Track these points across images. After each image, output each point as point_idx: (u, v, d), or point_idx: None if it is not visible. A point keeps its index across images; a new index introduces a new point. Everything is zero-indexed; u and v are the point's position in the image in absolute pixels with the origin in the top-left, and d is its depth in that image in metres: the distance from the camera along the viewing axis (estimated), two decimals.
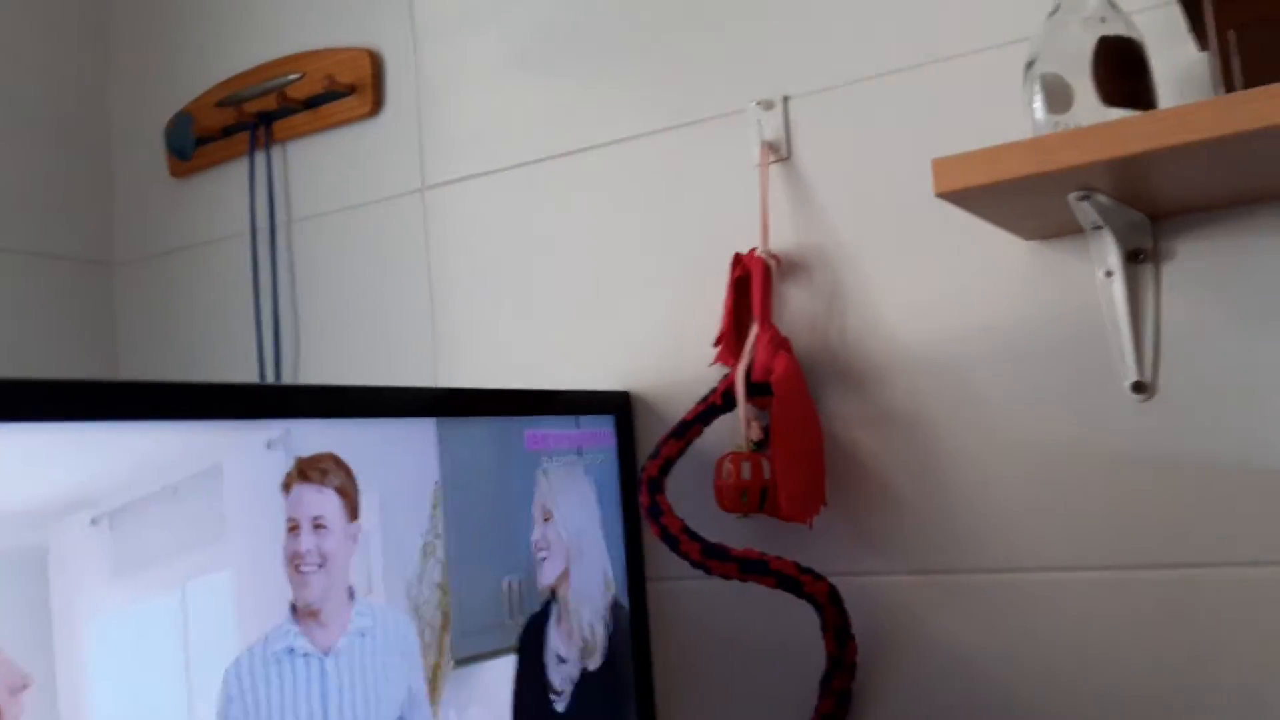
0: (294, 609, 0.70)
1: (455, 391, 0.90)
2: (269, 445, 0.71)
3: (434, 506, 0.83)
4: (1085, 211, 0.78)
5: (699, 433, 0.97)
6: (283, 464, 0.71)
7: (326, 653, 0.71)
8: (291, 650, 0.69)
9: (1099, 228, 0.84)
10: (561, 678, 0.92)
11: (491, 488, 0.89)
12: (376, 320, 1.24)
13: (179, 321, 1.40)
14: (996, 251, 0.91)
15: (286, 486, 0.70)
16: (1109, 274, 0.86)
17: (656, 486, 0.94)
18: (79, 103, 1.46)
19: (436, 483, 0.83)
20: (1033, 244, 0.90)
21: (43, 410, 0.58)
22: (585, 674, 0.95)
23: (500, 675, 0.87)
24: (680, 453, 0.97)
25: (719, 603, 1.02)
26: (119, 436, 0.62)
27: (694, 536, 0.91)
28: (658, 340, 1.07)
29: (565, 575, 0.94)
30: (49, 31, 1.44)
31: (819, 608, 0.90)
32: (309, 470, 0.72)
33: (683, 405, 1.02)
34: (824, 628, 0.90)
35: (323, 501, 0.72)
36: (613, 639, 1.00)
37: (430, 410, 0.84)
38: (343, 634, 0.73)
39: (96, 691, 0.59)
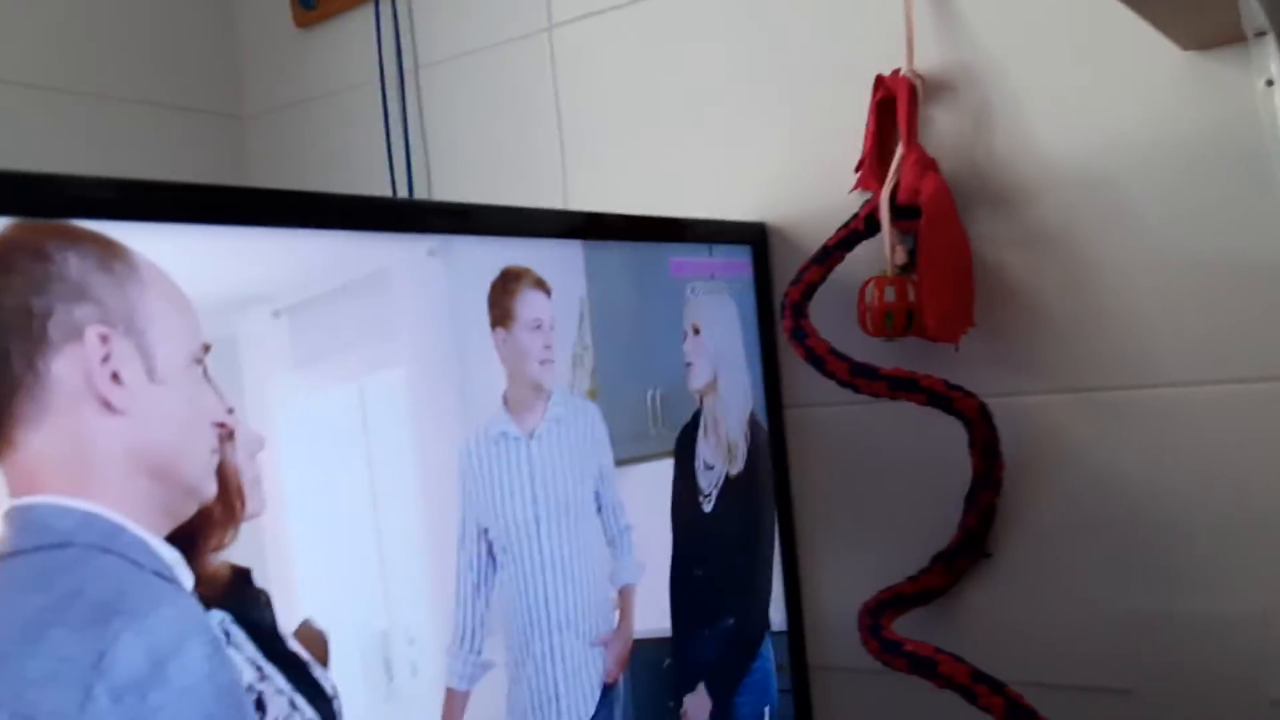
0: (505, 399, 0.77)
1: (594, 215, 0.91)
2: (430, 253, 0.73)
3: (580, 320, 0.85)
4: (1252, 10, 0.74)
5: (840, 259, 0.96)
6: (469, 271, 0.74)
7: (530, 436, 0.78)
8: (504, 434, 0.77)
9: (1262, 34, 0.79)
10: (708, 482, 0.96)
11: (636, 307, 0.91)
12: (507, 162, 1.25)
13: (309, 173, 1.43)
14: (1152, 63, 0.87)
15: (507, 291, 0.77)
16: (1270, 83, 0.82)
17: (800, 311, 0.94)
18: None
19: (582, 299, 0.85)
20: (1190, 55, 0.86)
21: (229, 214, 0.61)
22: (729, 479, 0.99)
23: (652, 478, 0.91)
24: (822, 278, 0.96)
25: (856, 428, 1.03)
26: (292, 241, 0.65)
27: (841, 356, 0.91)
28: (793, 170, 1.05)
29: (713, 385, 0.97)
30: None
31: (968, 423, 0.90)
32: (524, 276, 0.79)
33: (819, 235, 1.01)
34: (971, 444, 0.90)
35: (543, 303, 0.80)
36: (752, 451, 1.02)
37: (570, 232, 0.85)
38: (541, 420, 0.79)
39: (286, 470, 0.62)
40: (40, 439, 0.50)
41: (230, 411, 0.58)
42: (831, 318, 0.99)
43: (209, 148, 1.46)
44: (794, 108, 1.05)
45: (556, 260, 0.83)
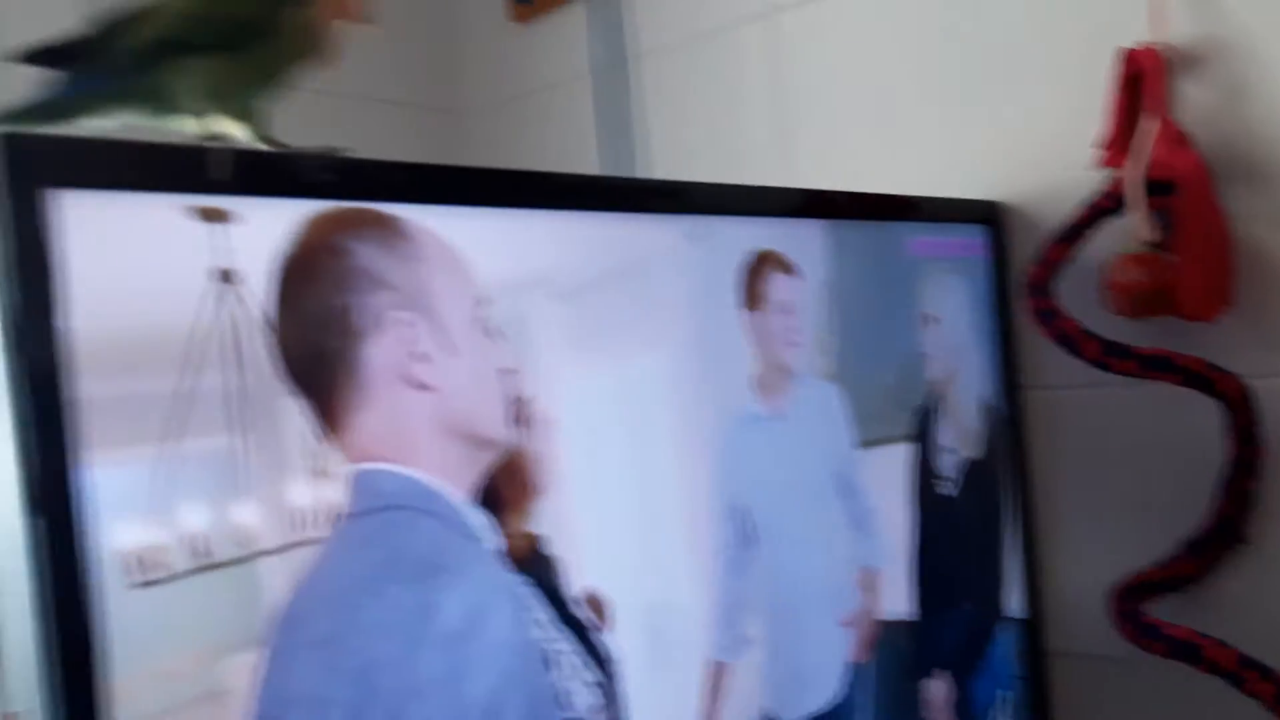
0: (754, 380, 0.78)
1: (834, 193, 0.91)
2: (687, 236, 0.75)
3: (823, 302, 0.85)
4: None
5: (1085, 238, 0.94)
6: (722, 253, 0.76)
7: (779, 417, 0.79)
8: (755, 415, 0.78)
9: None
10: (946, 466, 0.95)
11: (876, 288, 0.91)
12: (726, 150, 1.26)
13: (526, 167, 1.47)
14: None
15: (757, 273, 0.78)
16: None
17: (1045, 290, 0.92)
18: None
19: (824, 281, 0.85)
20: None
21: (518, 198, 0.64)
22: (966, 463, 0.98)
23: (891, 461, 0.91)
24: (1067, 257, 0.94)
25: (1099, 409, 1.00)
26: (569, 224, 0.67)
27: (1091, 335, 0.89)
28: (1026, 147, 1.03)
29: (949, 371, 0.96)
30: None
31: (1228, 406, 0.86)
32: (772, 259, 0.80)
33: (1056, 213, 0.98)
34: (1229, 427, 0.87)
35: (790, 285, 0.81)
36: (988, 435, 1.01)
37: (810, 211, 0.86)
38: (788, 402, 0.80)
39: (569, 448, 0.65)
40: (366, 419, 0.54)
41: (512, 372, 0.61)
42: (1068, 295, 0.96)
43: (429, 142, 1.52)
44: (1028, 83, 1.02)
45: (800, 242, 0.84)
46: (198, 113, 0.57)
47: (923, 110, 1.10)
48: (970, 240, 1.02)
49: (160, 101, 0.58)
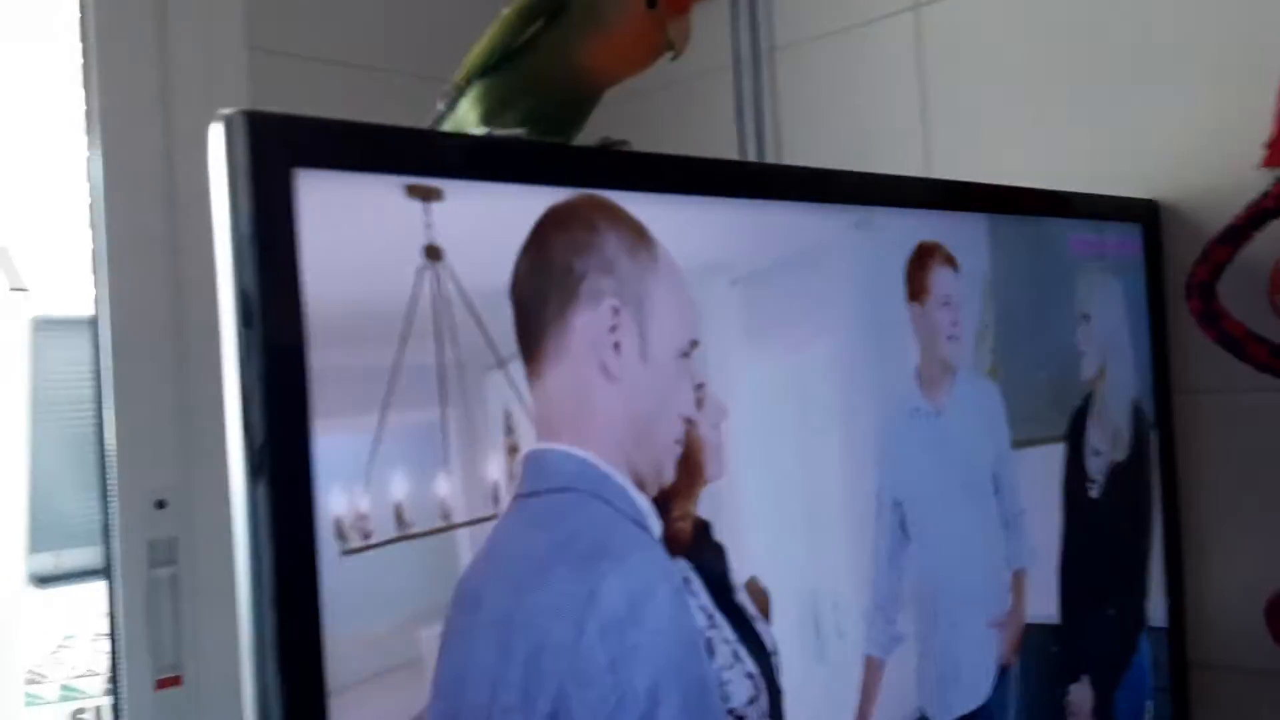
0: (917, 374, 0.77)
1: (994, 186, 0.89)
2: (855, 226, 0.75)
3: (984, 297, 0.84)
4: None
5: (1250, 238, 0.91)
6: (888, 244, 0.75)
7: (939, 412, 0.78)
8: (917, 409, 0.77)
9: None
10: (1096, 468, 0.94)
11: (1035, 285, 0.90)
12: (867, 145, 1.25)
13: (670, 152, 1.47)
14: None
15: (922, 264, 0.77)
16: None
17: (1209, 292, 0.90)
18: None
19: (985, 275, 0.84)
20: None
21: (698, 185, 0.64)
22: (1114, 466, 0.96)
23: (1044, 461, 0.89)
24: (1230, 258, 0.91)
25: (1260, 415, 0.97)
26: (749, 213, 0.68)
27: (1260, 339, 0.86)
28: (1186, 146, 1.00)
29: (1101, 374, 0.94)
30: None
31: None
32: (937, 252, 0.79)
33: (1215, 212, 0.95)
34: None
35: (952, 279, 0.80)
36: (1136, 438, 0.99)
37: (968, 204, 0.85)
38: (948, 398, 0.79)
39: (740, 436, 0.65)
40: (556, 380, 0.55)
41: (700, 387, 0.62)
42: (1230, 296, 0.94)
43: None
44: (1187, 79, 0.99)
45: (963, 235, 0.83)
46: (487, 125, 0.66)
47: (1074, 106, 1.08)
48: (1127, 239, 0.99)
49: (465, 123, 0.69)
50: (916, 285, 0.77)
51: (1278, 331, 0.90)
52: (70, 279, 1.91)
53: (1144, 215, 1.01)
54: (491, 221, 0.53)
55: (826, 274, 0.72)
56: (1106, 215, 0.98)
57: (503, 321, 0.53)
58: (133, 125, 1.14)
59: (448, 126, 0.70)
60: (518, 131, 0.61)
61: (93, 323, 1.17)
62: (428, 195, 0.49)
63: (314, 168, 0.45)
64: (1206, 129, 0.99)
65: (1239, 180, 0.95)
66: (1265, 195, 0.90)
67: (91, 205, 1.15)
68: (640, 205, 0.59)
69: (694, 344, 0.62)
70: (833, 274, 0.73)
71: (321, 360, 0.45)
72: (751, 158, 1.35)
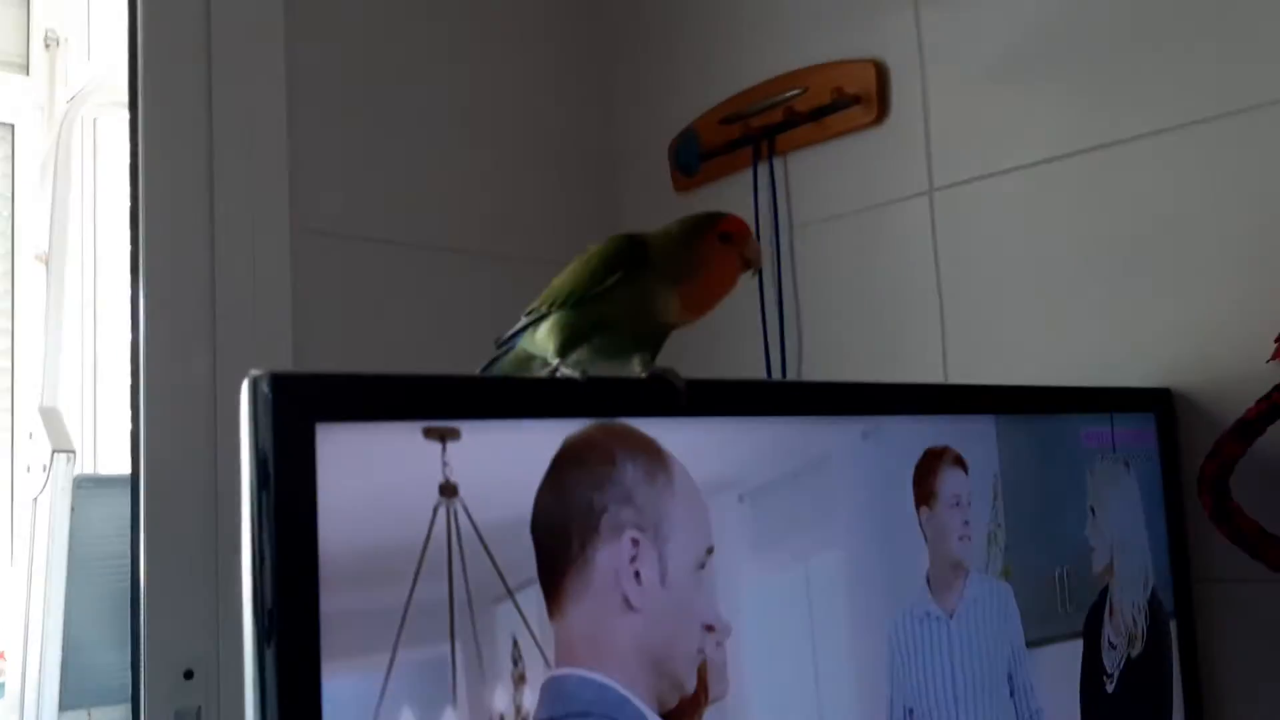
0: (928, 579, 0.78)
1: (1006, 388, 0.92)
2: (864, 435, 0.77)
3: (994, 497, 0.85)
4: None
5: (1262, 432, 0.92)
6: (897, 452, 0.77)
7: (951, 616, 0.79)
8: (928, 614, 0.78)
9: None
10: (1111, 662, 0.93)
11: (1046, 482, 0.91)
12: (882, 321, 1.28)
13: (685, 329, 1.51)
14: None
15: (930, 469, 0.79)
16: None
17: (1221, 488, 0.91)
18: (588, 124, 1.63)
19: (995, 475, 0.86)
20: None
21: (712, 406, 0.67)
22: (1130, 660, 0.95)
23: (1060, 659, 0.89)
24: (1242, 454, 0.92)
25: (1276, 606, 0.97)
26: (759, 428, 0.70)
27: (1272, 537, 0.87)
28: (1199, 334, 1.02)
29: (1109, 568, 0.95)
30: (559, 57, 1.61)
31: None
32: (945, 454, 0.81)
33: (1230, 401, 0.97)
34: None
35: (962, 480, 0.82)
36: (1152, 630, 0.98)
37: (982, 407, 0.87)
38: (960, 600, 0.80)
39: (747, 652, 0.66)
40: (576, 618, 0.56)
41: (719, 617, 0.64)
42: (1245, 489, 0.94)
43: None
44: (1200, 267, 1.02)
45: (971, 436, 0.84)
46: (546, 356, 0.71)
47: (1088, 292, 1.10)
48: (1141, 430, 1.01)
49: (531, 354, 0.74)
50: (925, 490, 0.79)
51: None
52: (113, 439, 1.97)
53: (1157, 404, 1.02)
54: (506, 457, 0.55)
55: (835, 484, 0.74)
56: (1122, 407, 1.00)
57: (514, 552, 0.55)
58: (178, 296, 1.19)
59: (525, 343, 0.75)
60: (581, 370, 0.64)
61: (132, 483, 1.20)
62: (445, 436, 0.52)
63: (334, 420, 0.48)
64: (1221, 317, 1.01)
65: (1254, 368, 0.96)
66: (1276, 390, 0.92)
67: (134, 365, 1.19)
68: (653, 428, 0.62)
69: (710, 551, 0.64)
70: (841, 483, 0.75)
71: (333, 605, 0.47)
72: (775, 335, 1.38)
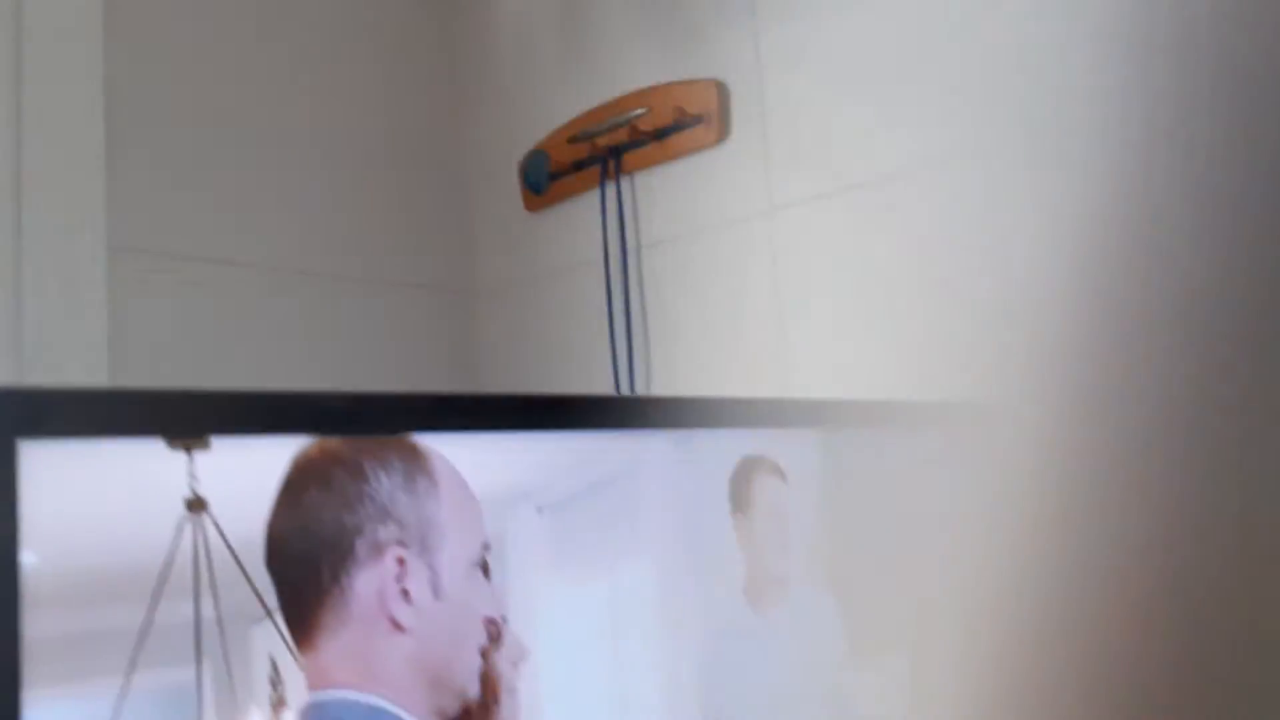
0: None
1: (826, 403, 0.92)
2: (674, 444, 0.76)
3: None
4: None
5: None
6: (710, 460, 0.76)
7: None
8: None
9: None
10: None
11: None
12: (726, 339, 1.28)
13: (536, 346, 1.50)
14: None
15: (746, 479, 0.78)
16: None
17: None
18: (436, 142, 1.60)
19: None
20: None
21: (501, 421, 0.65)
22: None
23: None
24: None
25: None
26: (553, 440, 0.68)
27: None
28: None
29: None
30: (405, 74, 1.59)
31: None
32: (762, 464, 0.80)
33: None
34: None
35: (780, 490, 0.81)
36: None
37: (803, 421, 0.87)
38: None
39: (543, 672, 0.64)
40: (336, 644, 0.53)
41: (503, 618, 0.61)
42: None
43: (444, 322, 1.56)
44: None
45: (792, 447, 0.84)
46: None
47: (922, 318, 1.12)
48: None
49: None
50: (741, 498, 0.78)
51: None
52: None
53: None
54: (263, 469, 0.52)
55: (643, 494, 0.73)
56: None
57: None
58: None
59: None
60: None
61: None
62: (190, 447, 0.49)
63: (42, 436, 0.44)
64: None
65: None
66: None
67: None
68: (440, 443, 0.59)
69: (486, 547, 0.60)
70: (651, 494, 0.73)
71: (45, 630, 0.44)
72: (622, 348, 1.37)
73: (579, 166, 1.44)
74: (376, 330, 1.47)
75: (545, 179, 1.48)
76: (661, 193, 1.37)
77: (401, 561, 0.54)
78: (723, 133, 1.30)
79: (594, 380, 1.40)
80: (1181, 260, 0.31)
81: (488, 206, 1.58)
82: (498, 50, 1.60)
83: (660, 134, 1.34)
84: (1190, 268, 0.31)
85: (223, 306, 1.31)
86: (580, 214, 1.45)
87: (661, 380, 1.35)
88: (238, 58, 1.38)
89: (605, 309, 1.39)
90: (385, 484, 0.55)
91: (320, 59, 1.48)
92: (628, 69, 1.41)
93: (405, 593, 0.55)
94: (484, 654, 0.60)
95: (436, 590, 0.56)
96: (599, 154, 1.41)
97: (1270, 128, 0.31)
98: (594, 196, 1.42)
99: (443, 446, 0.59)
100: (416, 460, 0.56)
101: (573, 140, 1.44)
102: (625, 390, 1.36)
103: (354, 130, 1.50)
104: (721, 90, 1.30)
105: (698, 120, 1.31)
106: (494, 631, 0.60)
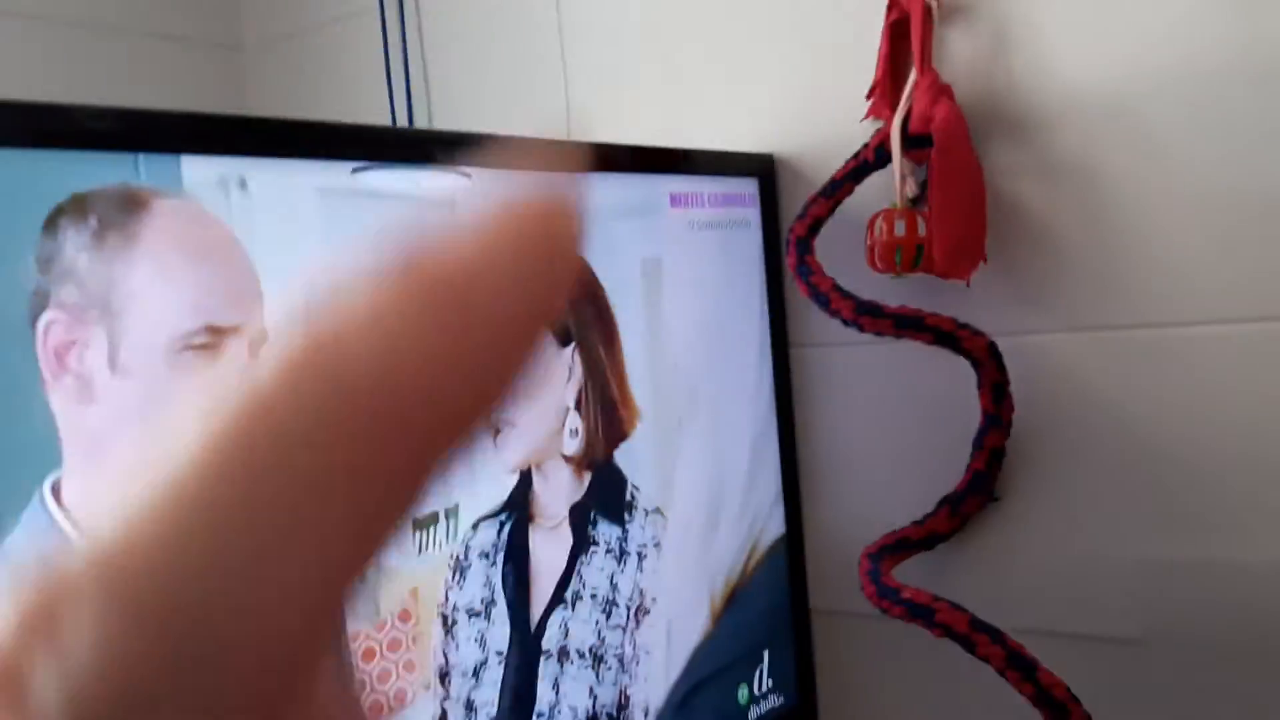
0: None
1: (596, 145, 0.87)
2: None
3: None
4: None
5: (849, 191, 0.92)
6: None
7: None
8: None
9: None
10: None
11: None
12: (509, 85, 1.21)
13: (311, 102, 1.39)
14: None
15: None
16: None
17: (805, 247, 0.91)
18: None
19: None
20: None
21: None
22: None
23: None
24: (829, 212, 0.92)
25: (864, 368, 0.99)
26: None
27: (846, 294, 0.87)
28: (802, 98, 1.01)
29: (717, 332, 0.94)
30: None
31: (976, 363, 0.86)
32: None
33: (831, 166, 0.96)
34: (980, 384, 0.87)
35: None
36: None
37: (570, 165, 0.82)
38: None
39: None
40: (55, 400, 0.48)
41: None
42: (840, 252, 0.95)
43: (209, 79, 1.43)
44: (805, 30, 1.00)
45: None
46: None
47: (703, 57, 1.07)
48: (744, 194, 0.99)
49: None
50: None
51: (878, 286, 0.91)
52: None
53: (760, 169, 1.01)
54: None
55: None
56: (723, 171, 0.97)
57: None
58: None
59: None
60: None
61: None
62: None
63: None
64: (820, 80, 0.99)
65: (851, 133, 0.96)
66: (864, 147, 0.91)
67: None
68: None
69: (214, 331, 0.52)
70: None
71: None
72: (400, 102, 1.28)
73: None
74: (138, 87, 1.34)
75: None
76: None
77: (73, 329, 0.47)
78: None
79: (369, 111, 1.31)
80: None
81: None
82: None
83: None
84: None
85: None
86: None
87: (443, 115, 1.27)
88: None
89: (383, 60, 1.29)
90: (70, 242, 0.47)
91: None
92: None
93: (71, 360, 0.48)
94: None
95: (113, 363, 0.49)
96: None
97: None
98: None
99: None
100: (125, 215, 0.48)
101: None
102: (402, 123, 1.28)
103: None
104: None
105: None
106: None
